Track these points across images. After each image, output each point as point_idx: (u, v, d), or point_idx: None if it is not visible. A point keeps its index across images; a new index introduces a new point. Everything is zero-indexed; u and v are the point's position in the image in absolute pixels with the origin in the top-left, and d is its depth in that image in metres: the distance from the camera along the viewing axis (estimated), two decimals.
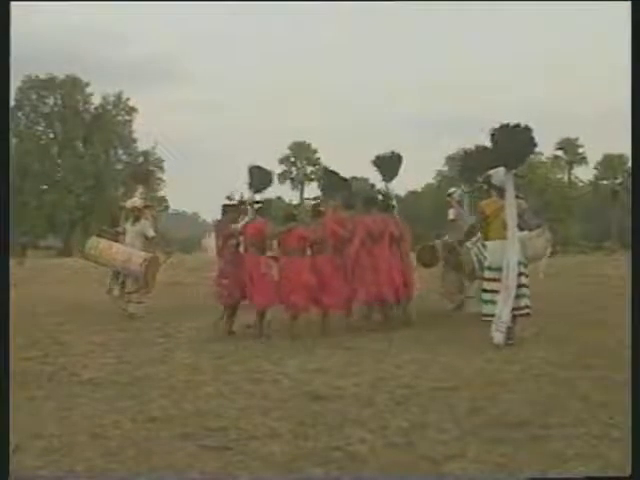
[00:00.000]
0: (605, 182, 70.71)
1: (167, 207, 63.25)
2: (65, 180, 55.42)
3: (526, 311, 8.71)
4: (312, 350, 8.30)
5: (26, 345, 8.36)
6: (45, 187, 55.58)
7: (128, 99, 60.29)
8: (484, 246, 9.70)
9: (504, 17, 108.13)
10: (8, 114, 5.62)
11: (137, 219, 11.98)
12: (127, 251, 11.67)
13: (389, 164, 11.23)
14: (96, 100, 59.60)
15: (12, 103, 52.87)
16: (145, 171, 15.34)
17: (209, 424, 5.24)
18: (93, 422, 5.32)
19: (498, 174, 8.93)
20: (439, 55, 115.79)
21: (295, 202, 64.07)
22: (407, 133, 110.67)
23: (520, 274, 8.58)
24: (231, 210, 10.40)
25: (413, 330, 9.76)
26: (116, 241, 12.00)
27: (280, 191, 73.26)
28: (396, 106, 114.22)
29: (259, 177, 10.84)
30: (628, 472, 4.06)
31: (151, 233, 12.00)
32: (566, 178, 73.09)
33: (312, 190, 74.10)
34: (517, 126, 8.56)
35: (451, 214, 12.22)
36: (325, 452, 4.62)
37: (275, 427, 5.16)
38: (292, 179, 74.27)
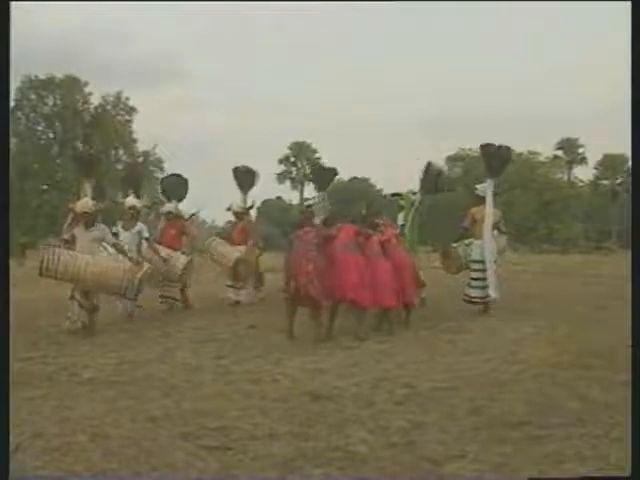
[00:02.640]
0: (605, 182, 70.77)
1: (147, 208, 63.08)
2: (65, 180, 55.38)
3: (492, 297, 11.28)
4: (312, 350, 8.30)
5: (26, 345, 8.35)
6: (45, 187, 55.52)
7: (128, 99, 60.22)
8: (468, 245, 11.46)
9: (504, 17, 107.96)
10: (8, 114, 5.63)
11: (134, 221, 11.35)
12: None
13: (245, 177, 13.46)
14: (96, 100, 59.57)
15: (12, 103, 52.83)
16: (138, 174, 13.96)
17: (209, 424, 5.25)
18: (93, 422, 5.33)
19: (483, 187, 11.53)
20: (440, 55, 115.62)
21: (295, 202, 64.03)
22: (407, 133, 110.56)
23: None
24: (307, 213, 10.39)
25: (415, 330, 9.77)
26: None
27: (280, 191, 73.33)
28: (396, 106, 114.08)
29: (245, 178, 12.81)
30: (628, 472, 4.06)
31: (146, 234, 11.31)
32: (566, 178, 73.12)
33: (312, 190, 74.12)
34: (501, 146, 11.21)
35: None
36: (325, 452, 4.63)
37: (275, 427, 5.16)
38: (292, 179, 74.30)
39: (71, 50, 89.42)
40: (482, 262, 11.18)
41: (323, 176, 13.36)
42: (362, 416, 5.46)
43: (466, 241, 11.48)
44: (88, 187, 11.53)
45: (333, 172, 13.61)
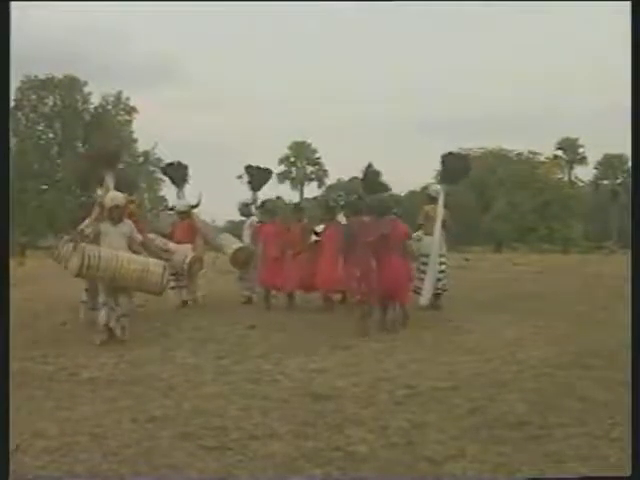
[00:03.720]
0: (605, 182, 70.82)
1: (167, 207, 63.24)
2: (65, 180, 55.37)
3: (445, 288, 12.13)
4: (312, 350, 8.30)
5: (26, 345, 8.35)
6: (45, 187, 55.54)
7: (128, 99, 60.29)
8: (419, 240, 11.97)
9: (503, 17, 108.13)
10: (8, 114, 5.62)
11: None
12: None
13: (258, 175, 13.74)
14: (95, 100, 59.60)
15: (12, 103, 52.87)
16: (112, 152, 11.44)
17: (209, 424, 5.25)
18: (93, 422, 5.33)
19: (435, 187, 12.63)
20: (439, 55, 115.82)
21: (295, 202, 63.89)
22: (408, 133, 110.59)
23: (441, 263, 11.93)
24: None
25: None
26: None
27: (280, 191, 73.37)
28: (398, 106, 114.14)
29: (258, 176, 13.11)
30: (628, 472, 4.06)
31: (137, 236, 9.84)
32: (566, 178, 73.15)
33: (312, 190, 74.20)
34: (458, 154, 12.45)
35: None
36: (325, 452, 4.64)
37: (275, 427, 5.17)
38: (292, 179, 74.35)
39: (71, 50, 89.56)
40: (429, 256, 11.82)
41: (258, 176, 13.68)
42: (362, 416, 5.46)
43: (415, 236, 11.82)
44: (110, 180, 10.75)
45: (268, 172, 14.11)
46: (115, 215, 9.19)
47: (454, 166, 12.13)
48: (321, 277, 11.63)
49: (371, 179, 12.02)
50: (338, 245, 10.60)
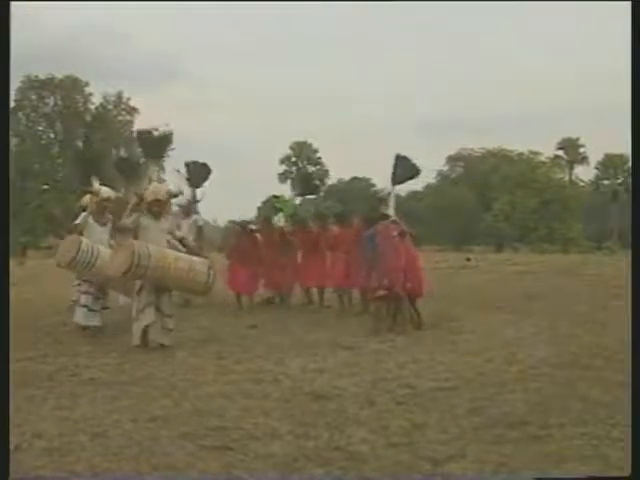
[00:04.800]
0: (606, 182, 70.78)
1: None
2: (66, 179, 55.39)
3: None
4: (313, 350, 8.30)
5: (26, 345, 8.35)
6: (46, 187, 55.56)
7: (129, 99, 60.33)
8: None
9: (505, 17, 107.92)
10: (8, 114, 5.62)
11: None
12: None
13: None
14: (97, 100, 59.61)
15: (12, 103, 52.88)
16: (161, 138, 11.31)
17: (210, 424, 5.25)
18: (93, 422, 5.33)
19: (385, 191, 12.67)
20: (440, 55, 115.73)
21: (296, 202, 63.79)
22: (408, 133, 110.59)
23: None
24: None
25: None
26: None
27: (281, 191, 73.37)
28: (398, 106, 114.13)
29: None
30: (628, 472, 4.07)
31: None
32: (567, 178, 73.13)
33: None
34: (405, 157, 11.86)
35: None
36: (326, 452, 4.64)
37: (276, 427, 5.17)
38: (293, 179, 74.27)
39: (72, 50, 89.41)
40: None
41: (197, 172, 13.67)
42: (363, 416, 5.47)
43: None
44: (155, 171, 10.28)
45: (207, 169, 13.88)
46: (156, 209, 8.66)
47: (404, 168, 12.05)
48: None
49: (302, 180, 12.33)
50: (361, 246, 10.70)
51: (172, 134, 11.23)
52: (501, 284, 17.94)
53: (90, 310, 9.41)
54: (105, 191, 9.62)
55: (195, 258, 8.75)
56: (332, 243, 12.21)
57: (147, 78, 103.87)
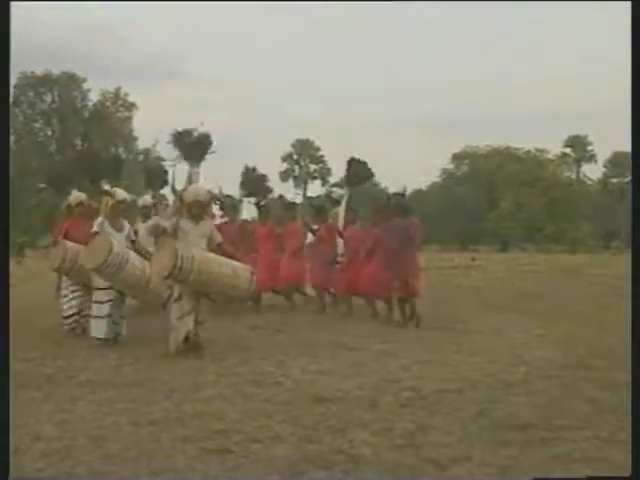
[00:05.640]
0: (614, 180, 70.74)
1: (167, 205, 63.22)
2: (65, 177, 55.39)
3: None
4: (315, 351, 8.31)
5: (24, 346, 8.35)
6: (43, 185, 55.61)
7: (127, 95, 60.31)
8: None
9: (511, 14, 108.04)
10: (8, 114, 5.64)
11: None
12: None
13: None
14: (94, 96, 59.62)
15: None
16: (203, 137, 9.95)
17: (211, 426, 5.27)
18: (93, 424, 5.34)
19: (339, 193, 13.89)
20: (444, 52, 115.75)
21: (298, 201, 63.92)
22: (413, 131, 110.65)
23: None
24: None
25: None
26: None
27: (283, 189, 73.36)
28: (402, 104, 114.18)
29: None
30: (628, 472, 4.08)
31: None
32: (574, 176, 73.09)
33: (315, 188, 74.13)
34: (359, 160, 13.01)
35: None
36: (329, 455, 4.64)
37: (278, 430, 5.18)
38: (295, 177, 74.32)
39: (70, 48, 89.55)
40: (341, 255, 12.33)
41: (156, 175, 13.87)
42: (366, 418, 5.47)
43: None
44: (195, 172, 9.98)
45: (165, 172, 14.26)
46: (195, 212, 8.42)
47: (357, 170, 12.43)
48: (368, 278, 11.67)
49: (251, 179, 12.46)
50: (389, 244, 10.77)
51: (210, 135, 11.15)
52: (507, 284, 17.97)
53: (114, 321, 8.88)
54: (120, 193, 9.34)
55: (236, 263, 8.56)
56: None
57: (146, 76, 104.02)
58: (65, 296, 9.70)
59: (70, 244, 9.34)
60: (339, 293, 12.13)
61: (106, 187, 9.45)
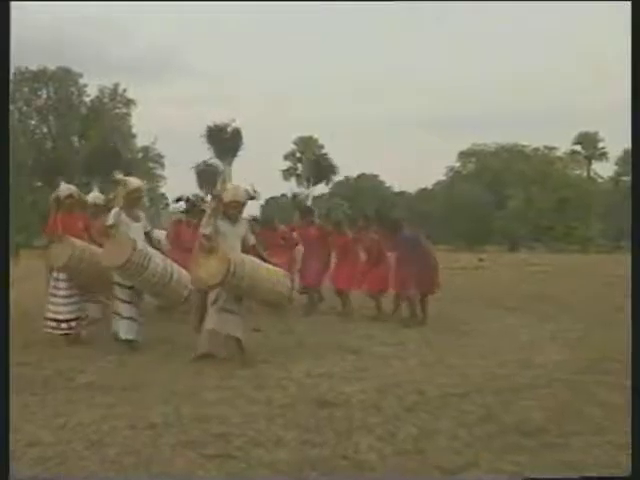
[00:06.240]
0: (626, 178, 70.58)
1: (167, 204, 63.26)
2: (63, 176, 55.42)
3: None
4: (318, 354, 8.31)
5: (20, 348, 8.36)
6: (39, 184, 55.62)
7: (125, 91, 60.27)
8: None
9: (514, 7, 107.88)
10: (8, 114, 5.64)
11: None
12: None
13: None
14: (92, 92, 59.58)
15: None
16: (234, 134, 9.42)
17: (211, 431, 5.27)
18: (90, 429, 5.34)
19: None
20: (450, 50, 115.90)
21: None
22: (419, 129, 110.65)
23: None
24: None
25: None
26: None
27: (285, 188, 73.25)
28: (408, 101, 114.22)
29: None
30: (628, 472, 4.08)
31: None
32: (585, 174, 72.96)
33: (318, 187, 74.05)
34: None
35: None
36: (332, 460, 4.64)
37: (280, 434, 5.18)
38: (298, 175, 74.21)
39: (68, 42, 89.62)
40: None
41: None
42: (370, 423, 5.47)
43: None
44: (229, 171, 9.49)
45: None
46: (233, 212, 8.28)
47: (319, 169, 12.50)
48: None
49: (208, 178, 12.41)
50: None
51: (241, 131, 10.64)
52: (515, 285, 17.95)
53: (136, 322, 8.72)
54: (133, 181, 9.11)
55: (277, 268, 8.50)
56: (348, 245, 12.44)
57: (144, 72, 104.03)
58: (55, 296, 9.20)
59: (78, 242, 9.08)
60: (368, 293, 12.27)
61: (119, 177, 9.12)
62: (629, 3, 4.90)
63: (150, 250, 8.66)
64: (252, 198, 8.60)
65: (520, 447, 4.87)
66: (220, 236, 8.11)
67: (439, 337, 9.44)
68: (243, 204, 8.39)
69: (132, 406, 5.97)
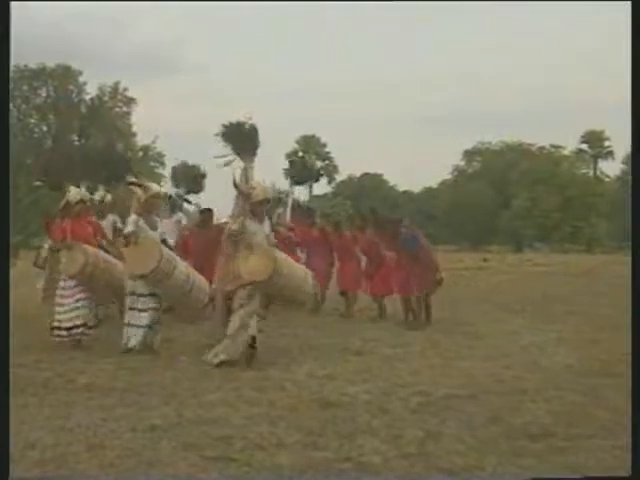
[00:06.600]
0: None
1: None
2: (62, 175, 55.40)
3: None
4: (321, 355, 8.30)
5: (19, 350, 8.35)
6: (38, 183, 55.63)
7: (126, 89, 60.28)
8: None
9: (520, 3, 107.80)
10: (8, 113, 5.63)
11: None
12: None
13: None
14: (92, 90, 59.58)
15: None
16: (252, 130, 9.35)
17: (212, 433, 5.25)
18: (90, 431, 5.33)
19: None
20: (456, 48, 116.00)
21: (303, 199, 63.80)
22: (421, 128, 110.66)
23: None
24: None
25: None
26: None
27: (287, 187, 73.21)
28: (412, 100, 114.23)
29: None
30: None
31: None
32: (591, 173, 72.89)
33: (322, 186, 74.10)
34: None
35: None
36: (336, 463, 4.63)
37: (283, 436, 5.16)
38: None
39: (67, 38, 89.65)
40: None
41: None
42: (375, 425, 5.46)
43: None
44: (251, 169, 9.46)
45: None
46: (260, 211, 8.21)
47: (299, 169, 12.40)
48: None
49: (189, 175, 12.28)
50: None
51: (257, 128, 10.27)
52: (520, 286, 17.94)
53: (153, 331, 8.61)
54: (153, 186, 8.98)
55: (302, 267, 8.45)
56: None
57: (144, 69, 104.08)
58: (62, 305, 9.00)
59: (90, 249, 8.89)
60: (372, 296, 12.34)
61: (133, 180, 9.05)
62: (628, 4, 4.90)
63: (174, 256, 8.57)
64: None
65: (527, 450, 4.85)
66: (249, 234, 8.01)
67: (444, 339, 9.43)
68: (270, 202, 8.42)
69: (132, 408, 5.96)
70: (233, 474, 4.48)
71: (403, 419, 5.63)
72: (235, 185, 8.31)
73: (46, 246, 10.41)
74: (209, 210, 12.41)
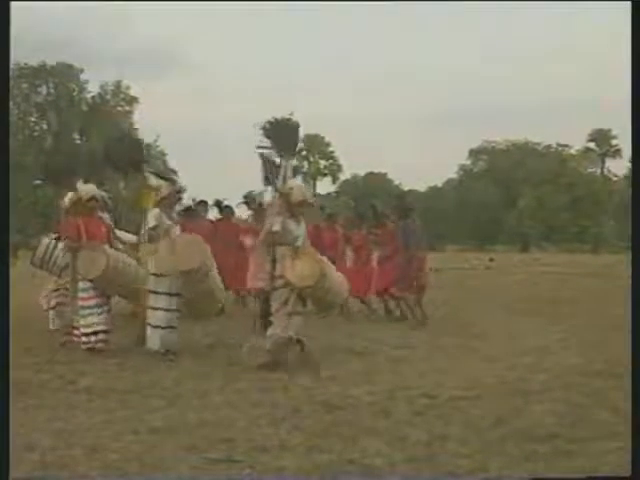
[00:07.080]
0: None
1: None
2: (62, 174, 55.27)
3: None
4: (325, 357, 8.30)
5: (19, 351, 8.36)
6: (39, 182, 55.64)
7: (128, 88, 60.27)
8: None
9: (517, 3, 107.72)
10: (8, 111, 5.65)
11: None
12: None
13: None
14: (94, 88, 59.58)
15: None
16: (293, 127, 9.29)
17: (216, 435, 5.26)
18: (90, 433, 5.34)
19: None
20: (462, 45, 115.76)
21: None
22: (426, 126, 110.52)
23: None
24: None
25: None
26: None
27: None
28: (417, 98, 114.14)
29: None
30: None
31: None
32: (599, 172, 72.79)
33: (325, 185, 74.06)
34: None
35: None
36: (339, 465, 4.63)
37: (286, 439, 5.17)
38: (304, 174, 74.09)
39: (67, 35, 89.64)
40: None
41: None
42: (379, 427, 5.47)
43: None
44: (290, 168, 9.16)
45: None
46: (299, 212, 8.15)
47: (271, 169, 11.94)
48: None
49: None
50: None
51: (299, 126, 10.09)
52: (526, 286, 17.94)
53: (175, 331, 8.52)
54: (176, 181, 8.93)
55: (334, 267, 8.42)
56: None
57: (147, 66, 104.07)
58: (84, 309, 8.64)
59: (109, 250, 8.66)
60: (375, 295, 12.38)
61: (151, 176, 8.92)
62: (628, 4, 4.87)
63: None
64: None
65: (532, 452, 4.85)
66: (290, 236, 7.95)
67: (449, 339, 9.43)
68: (310, 204, 8.33)
69: (134, 410, 5.97)
70: (236, 476, 4.48)
71: (407, 421, 5.63)
72: (270, 182, 8.40)
73: (44, 243, 10.27)
74: (204, 202, 12.56)
